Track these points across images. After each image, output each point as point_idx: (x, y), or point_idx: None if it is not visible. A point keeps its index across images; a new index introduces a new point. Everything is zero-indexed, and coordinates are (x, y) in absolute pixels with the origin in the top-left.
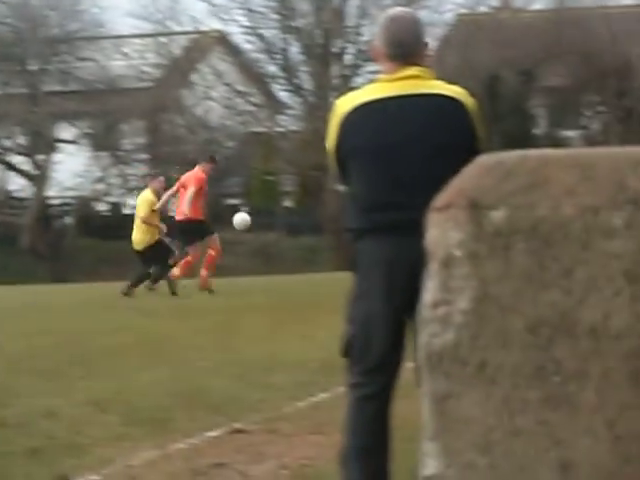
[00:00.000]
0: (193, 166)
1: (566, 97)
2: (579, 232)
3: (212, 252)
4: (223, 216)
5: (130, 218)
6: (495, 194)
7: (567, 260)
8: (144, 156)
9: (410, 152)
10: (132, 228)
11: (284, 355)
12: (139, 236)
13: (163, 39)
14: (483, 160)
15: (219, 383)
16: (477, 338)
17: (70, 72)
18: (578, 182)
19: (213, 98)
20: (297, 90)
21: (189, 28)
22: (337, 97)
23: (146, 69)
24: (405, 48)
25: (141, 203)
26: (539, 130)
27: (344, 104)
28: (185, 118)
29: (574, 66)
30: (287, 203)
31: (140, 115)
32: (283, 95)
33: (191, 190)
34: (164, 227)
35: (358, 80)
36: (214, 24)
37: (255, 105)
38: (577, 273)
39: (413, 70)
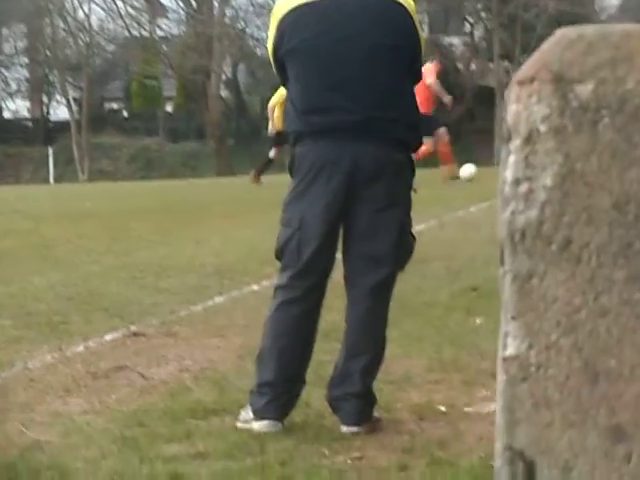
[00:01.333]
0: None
1: (449, 2)
2: None
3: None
4: (105, 119)
5: (9, 122)
6: (580, 68)
7: None
8: (25, 60)
9: (349, 53)
10: (13, 132)
11: (176, 259)
12: None
13: None
14: (563, 33)
15: (112, 287)
16: (562, 215)
17: None
18: None
19: (94, 1)
20: None
21: None
22: (220, 1)
23: None
24: None
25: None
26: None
27: (283, 5)
28: (66, 21)
29: None
30: (168, 108)
31: (21, 18)
32: None
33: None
34: None
35: None
36: None
37: (136, 9)
38: None
39: None
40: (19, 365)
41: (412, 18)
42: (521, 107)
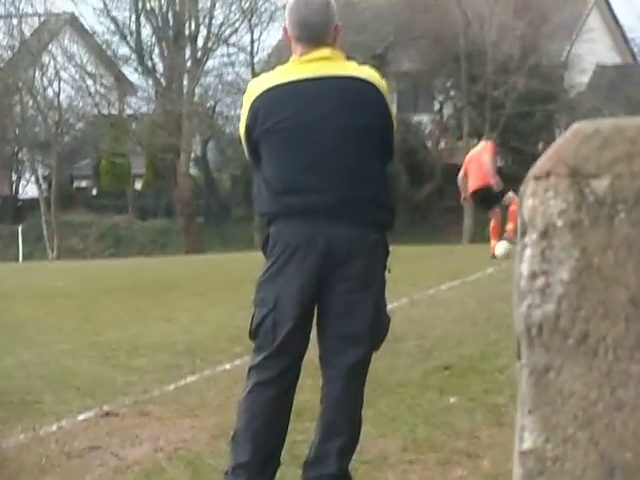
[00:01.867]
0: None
1: (418, 81)
2: None
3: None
4: (74, 197)
5: None
6: (596, 162)
7: None
8: None
9: (321, 133)
10: None
11: (147, 338)
12: None
13: (14, 20)
14: (579, 128)
15: (84, 365)
16: (578, 309)
17: None
18: None
19: (64, 80)
20: (148, 72)
21: (40, 10)
22: (190, 80)
23: None
24: (314, 30)
25: None
26: None
27: (256, 87)
28: (35, 99)
29: (426, 50)
30: (137, 185)
31: None
32: (134, 77)
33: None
34: None
35: (210, 63)
36: (66, 6)
37: (105, 87)
38: None
39: (324, 52)
40: None
41: (383, 97)
42: (537, 202)
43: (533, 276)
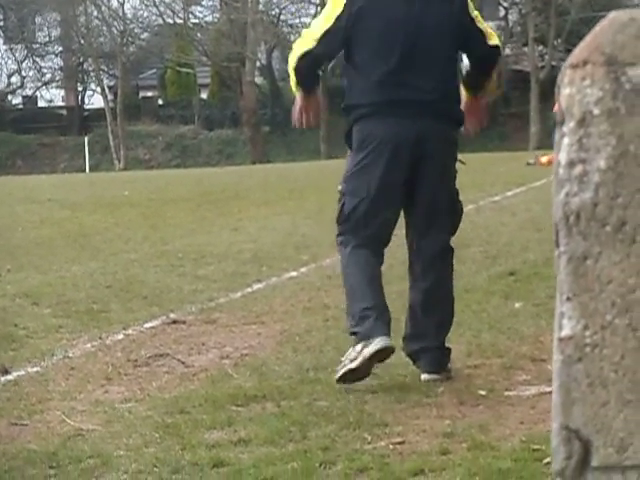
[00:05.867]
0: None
1: None
2: None
3: None
4: (140, 107)
5: (44, 111)
6: (632, 51)
7: None
8: (59, 48)
9: (420, 31)
10: (48, 121)
11: (214, 247)
12: None
13: None
14: (615, 16)
15: (150, 275)
16: (616, 197)
17: None
18: None
19: None
20: None
21: None
22: None
23: None
24: None
25: None
26: None
27: None
28: (99, 10)
29: None
30: (203, 95)
31: (54, 6)
32: None
33: None
34: None
35: None
36: None
37: None
38: None
39: None
40: (59, 354)
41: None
42: (574, 90)
43: (571, 164)
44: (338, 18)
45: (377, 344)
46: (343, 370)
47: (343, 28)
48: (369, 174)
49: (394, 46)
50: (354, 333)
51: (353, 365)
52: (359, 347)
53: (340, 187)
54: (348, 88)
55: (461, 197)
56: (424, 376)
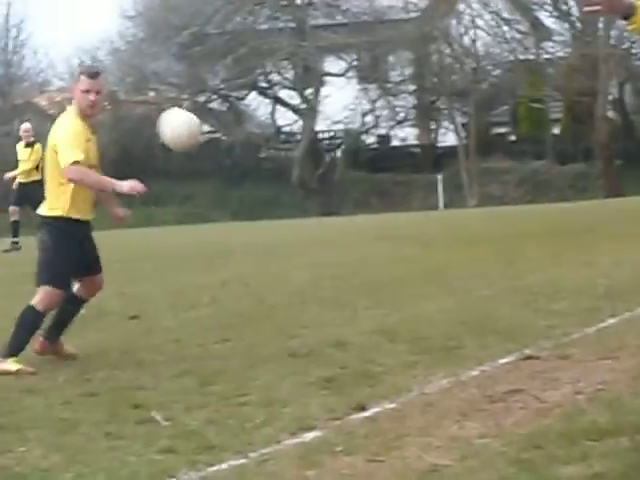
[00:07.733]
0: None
1: None
2: None
3: None
4: (492, 143)
5: (398, 150)
6: None
7: None
8: (411, 87)
9: None
10: (402, 160)
11: (567, 282)
12: None
13: None
14: None
15: (505, 310)
16: None
17: (336, 5)
18: None
19: (480, 27)
20: (564, 16)
21: None
22: (605, 22)
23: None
24: None
25: None
26: None
27: None
28: (452, 48)
29: None
30: (555, 130)
31: (407, 46)
32: (549, 21)
33: None
34: None
35: None
36: None
37: (521, 32)
38: None
39: None
40: (416, 390)
41: None
42: None
43: None
44: None
45: None
46: None
47: None
48: None
49: None
50: None
51: None
52: None
53: None
54: None
55: None
56: None
